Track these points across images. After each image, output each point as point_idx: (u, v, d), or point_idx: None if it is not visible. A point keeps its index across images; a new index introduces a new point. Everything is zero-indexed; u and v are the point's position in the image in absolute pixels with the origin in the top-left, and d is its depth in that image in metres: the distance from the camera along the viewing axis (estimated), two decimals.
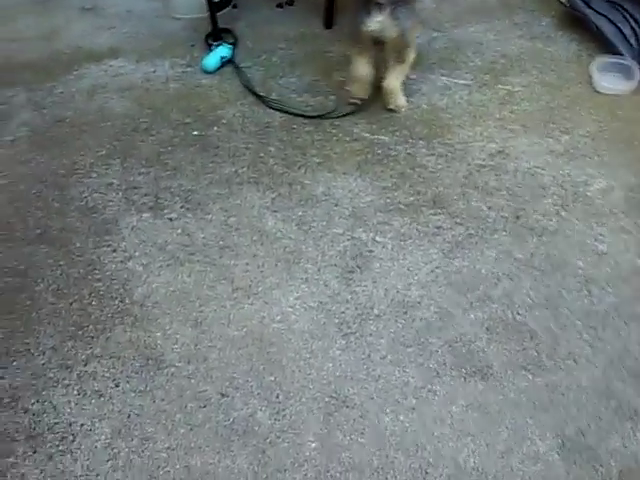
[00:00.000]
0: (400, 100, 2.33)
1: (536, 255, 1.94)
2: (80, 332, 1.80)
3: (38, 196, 2.11)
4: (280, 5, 2.78)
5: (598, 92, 2.40)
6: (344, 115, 2.33)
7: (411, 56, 2.27)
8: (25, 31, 2.66)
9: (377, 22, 2.11)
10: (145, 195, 2.11)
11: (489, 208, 2.06)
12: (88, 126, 2.31)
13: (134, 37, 2.65)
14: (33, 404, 1.65)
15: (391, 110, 2.32)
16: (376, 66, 2.29)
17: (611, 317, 1.80)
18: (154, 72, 2.49)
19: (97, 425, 1.62)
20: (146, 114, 2.34)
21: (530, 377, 1.67)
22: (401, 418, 1.60)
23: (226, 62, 2.50)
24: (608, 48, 2.48)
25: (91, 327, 1.81)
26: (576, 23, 2.61)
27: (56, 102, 2.39)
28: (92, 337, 1.79)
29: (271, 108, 2.36)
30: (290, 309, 1.85)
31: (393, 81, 2.29)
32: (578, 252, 1.94)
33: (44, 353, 1.76)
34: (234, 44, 2.56)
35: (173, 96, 2.40)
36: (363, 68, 2.28)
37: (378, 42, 2.19)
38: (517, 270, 1.90)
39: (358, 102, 2.35)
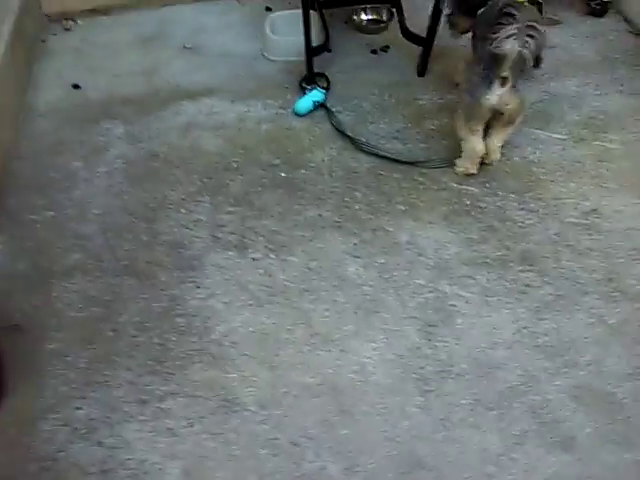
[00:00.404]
0: (497, 155, 2.27)
1: (629, 322, 1.84)
2: (158, 367, 1.82)
3: (128, 228, 2.16)
4: (374, 51, 2.79)
5: None
6: (438, 167, 2.30)
7: (520, 118, 2.18)
8: (127, 67, 2.78)
9: (499, 95, 2.04)
10: (231, 234, 2.13)
11: (581, 269, 1.97)
12: (180, 162, 2.37)
13: (230, 77, 2.71)
14: (107, 438, 1.67)
15: (484, 164, 2.27)
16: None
17: None
18: (248, 112, 2.54)
19: (168, 465, 1.62)
20: (237, 153, 2.38)
21: (618, 452, 1.57)
22: None
23: (318, 106, 2.52)
24: None
25: (169, 363, 1.83)
26: None
27: (152, 137, 2.46)
28: (170, 373, 1.81)
29: (361, 151, 2.36)
30: (367, 360, 1.81)
31: (497, 142, 2.22)
32: None
33: (122, 386, 1.79)
34: (327, 88, 2.59)
35: (264, 137, 2.44)
36: (478, 144, 2.18)
37: (496, 113, 2.11)
38: (608, 336, 1.81)
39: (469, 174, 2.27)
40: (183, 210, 2.21)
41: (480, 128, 2.17)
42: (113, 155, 2.40)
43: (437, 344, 1.83)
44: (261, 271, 2.03)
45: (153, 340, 1.88)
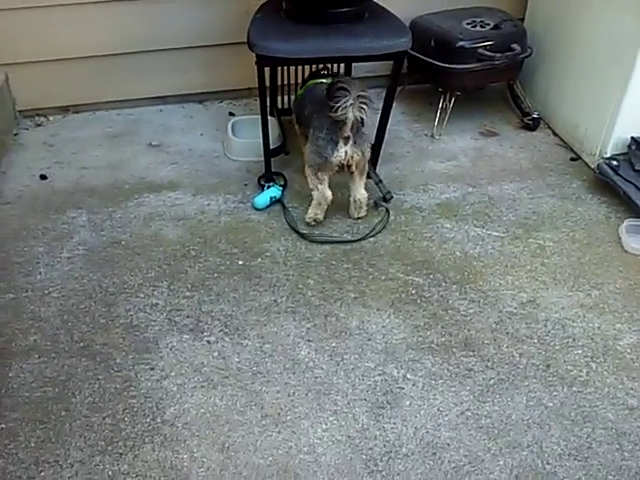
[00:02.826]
0: (364, 201, 2.62)
1: (566, 404, 1.94)
2: (109, 447, 1.83)
3: (86, 311, 2.22)
4: None
5: (627, 252, 2.49)
6: (374, 235, 2.56)
7: (367, 165, 2.57)
8: (94, 161, 2.93)
9: (345, 151, 2.43)
10: (187, 317, 2.20)
11: (520, 355, 2.09)
12: (141, 249, 2.46)
13: (193, 173, 2.88)
14: None
15: (357, 219, 2.64)
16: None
17: None
18: (208, 205, 2.69)
19: None
20: (196, 242, 2.50)
21: None
22: None
23: (275, 201, 2.69)
24: (636, 212, 2.61)
25: (121, 443, 1.84)
26: (605, 187, 2.76)
27: (114, 225, 2.57)
28: (120, 453, 1.81)
29: (312, 242, 2.52)
30: (318, 441, 1.85)
31: (363, 192, 2.61)
32: (608, 404, 1.94)
33: (72, 466, 1.78)
34: (284, 186, 2.77)
35: (223, 228, 2.57)
36: (327, 191, 2.55)
37: (344, 166, 2.48)
38: (547, 418, 1.90)
39: (316, 223, 2.62)
40: (141, 294, 2.28)
41: (327, 178, 2.53)
42: (75, 242, 2.49)
43: (385, 425, 1.89)
44: (215, 354, 2.09)
45: (105, 420, 1.89)
